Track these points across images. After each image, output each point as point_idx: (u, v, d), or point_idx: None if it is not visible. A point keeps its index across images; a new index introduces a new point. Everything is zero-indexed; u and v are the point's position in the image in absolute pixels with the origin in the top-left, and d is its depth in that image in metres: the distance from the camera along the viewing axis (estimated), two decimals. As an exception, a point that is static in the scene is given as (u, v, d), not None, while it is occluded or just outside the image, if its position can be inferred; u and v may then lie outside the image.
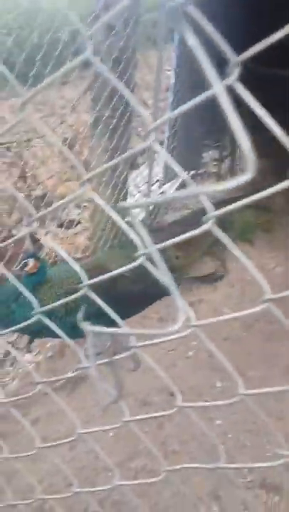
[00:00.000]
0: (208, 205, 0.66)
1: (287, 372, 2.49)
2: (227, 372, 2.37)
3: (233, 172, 4.49)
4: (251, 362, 2.55)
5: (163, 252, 0.72)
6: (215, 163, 4.52)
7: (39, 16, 2.55)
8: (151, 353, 2.46)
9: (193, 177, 4.32)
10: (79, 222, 3.59)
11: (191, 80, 3.37)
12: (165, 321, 2.78)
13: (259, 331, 2.75)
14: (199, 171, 4.43)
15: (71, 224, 3.61)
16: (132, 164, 4.07)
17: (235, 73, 0.54)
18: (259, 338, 2.71)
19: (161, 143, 3.87)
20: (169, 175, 3.60)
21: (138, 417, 1.15)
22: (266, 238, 3.65)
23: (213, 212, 0.67)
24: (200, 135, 4.11)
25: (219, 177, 4.41)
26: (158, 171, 3.66)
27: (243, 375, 2.45)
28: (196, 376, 2.44)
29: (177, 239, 0.71)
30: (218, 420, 2.22)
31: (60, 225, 3.65)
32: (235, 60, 0.49)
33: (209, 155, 4.55)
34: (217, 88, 0.53)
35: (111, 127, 2.50)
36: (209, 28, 0.51)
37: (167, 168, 3.56)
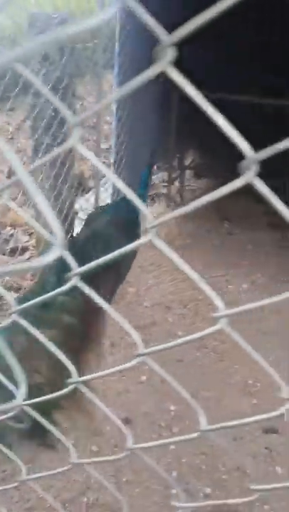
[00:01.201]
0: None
1: (241, 391, 2.49)
2: (181, 396, 2.33)
3: (182, 193, 4.55)
4: (205, 382, 2.53)
5: None
6: (165, 184, 4.57)
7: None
8: (102, 380, 2.40)
9: (144, 199, 4.34)
10: (27, 249, 3.52)
11: (133, 102, 3.42)
12: (117, 345, 2.72)
13: (212, 351, 2.75)
14: (149, 193, 4.45)
15: (21, 251, 3.54)
16: (82, 190, 4.06)
17: (168, 56, 0.46)
18: (212, 357, 2.70)
19: (108, 167, 3.89)
20: (118, 197, 3.60)
21: (86, 461, 1.02)
22: (217, 255, 3.69)
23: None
24: (148, 158, 4.14)
25: (169, 199, 4.46)
26: (106, 196, 3.66)
27: (197, 396, 2.42)
28: (149, 401, 2.40)
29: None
30: (172, 446, 2.17)
31: (11, 252, 3.57)
32: (168, 40, 0.45)
33: (158, 177, 4.60)
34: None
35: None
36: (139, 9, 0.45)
37: (115, 192, 3.56)
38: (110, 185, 3.59)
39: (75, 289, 0.62)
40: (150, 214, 0.60)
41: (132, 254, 2.14)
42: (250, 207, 4.38)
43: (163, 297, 3.17)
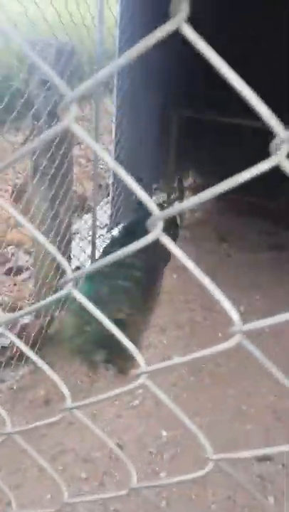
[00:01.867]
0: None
1: (234, 417, 2.46)
2: (173, 421, 2.30)
3: (181, 214, 4.56)
4: (199, 407, 2.50)
5: None
6: (165, 205, 4.59)
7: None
8: (93, 406, 2.38)
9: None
10: (27, 269, 3.53)
11: (131, 123, 3.45)
12: (111, 369, 2.70)
13: (207, 374, 2.72)
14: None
15: (20, 271, 3.54)
16: (82, 210, 4.08)
17: (182, 11, 0.41)
18: (207, 382, 2.67)
19: (106, 187, 3.92)
20: (117, 218, 3.62)
21: (78, 499, 0.96)
22: (215, 277, 3.68)
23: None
24: (147, 179, 4.17)
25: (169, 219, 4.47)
26: (105, 217, 3.68)
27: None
28: (141, 427, 2.37)
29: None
30: (163, 473, 2.14)
31: (8, 272, 3.57)
32: None
33: (158, 198, 4.62)
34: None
35: (49, 177, 2.50)
36: None
37: (114, 212, 3.58)
38: (109, 207, 3.61)
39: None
40: (155, 206, 0.54)
41: None
42: (249, 228, 4.41)
43: (159, 318, 3.16)
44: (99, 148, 0.56)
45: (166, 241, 0.54)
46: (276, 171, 0.47)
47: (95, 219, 3.19)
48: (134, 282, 2.86)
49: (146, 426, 2.38)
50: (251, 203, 4.52)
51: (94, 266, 0.69)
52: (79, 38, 2.71)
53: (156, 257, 2.95)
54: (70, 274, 0.64)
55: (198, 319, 3.17)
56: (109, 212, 3.61)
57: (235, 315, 0.55)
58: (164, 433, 2.34)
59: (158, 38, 0.46)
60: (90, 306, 0.65)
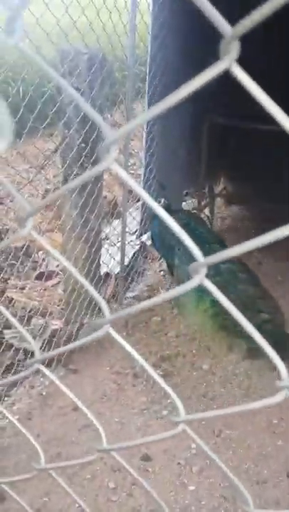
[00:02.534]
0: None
1: (265, 431, 2.39)
2: (202, 432, 2.25)
3: (212, 221, 4.52)
4: (228, 420, 2.44)
5: None
6: (194, 211, 4.55)
7: (25, 69, 2.59)
8: (121, 414, 2.37)
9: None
10: (57, 274, 3.55)
11: (162, 128, 3.44)
12: (141, 377, 2.68)
13: (237, 386, 2.66)
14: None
15: (50, 276, 3.57)
16: (112, 216, 4.08)
17: (233, 51, 0.41)
18: (237, 393, 2.62)
19: (136, 196, 3.91)
20: (146, 225, 3.60)
21: None
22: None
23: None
24: (179, 184, 4.15)
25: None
26: (135, 223, 3.67)
27: (220, 435, 2.35)
28: (170, 438, 2.32)
29: None
30: (192, 486, 2.10)
31: (39, 277, 3.61)
32: (232, 32, 0.40)
33: (188, 204, 4.59)
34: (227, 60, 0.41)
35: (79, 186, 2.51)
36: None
37: (144, 219, 3.56)
38: (138, 213, 3.60)
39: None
40: (200, 253, 0.53)
41: None
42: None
43: (188, 328, 3.12)
44: (138, 188, 0.55)
45: (211, 287, 0.52)
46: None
47: (124, 225, 3.19)
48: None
49: (175, 437, 2.34)
50: (282, 210, 4.43)
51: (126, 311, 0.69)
52: (110, 45, 2.72)
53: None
54: (107, 316, 0.64)
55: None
56: (138, 218, 3.60)
57: (283, 369, 0.54)
58: (193, 445, 2.29)
59: (206, 80, 0.44)
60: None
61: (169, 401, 2.53)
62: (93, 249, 2.81)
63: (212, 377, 2.71)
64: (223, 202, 4.91)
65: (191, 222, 3.18)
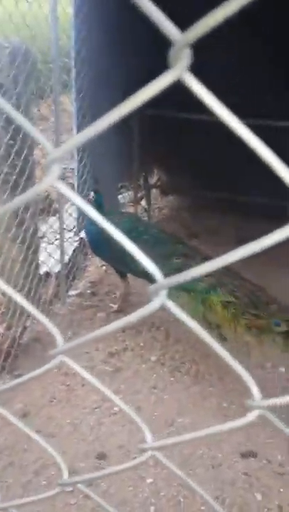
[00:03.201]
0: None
1: (216, 415, 2.44)
2: (156, 424, 2.24)
3: (149, 212, 4.53)
4: (180, 408, 2.47)
5: None
6: (131, 204, 4.54)
7: None
8: (73, 415, 2.32)
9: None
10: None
11: (93, 119, 3.38)
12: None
13: (186, 373, 2.69)
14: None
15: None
16: (48, 213, 3.97)
17: (184, 59, 0.37)
18: (187, 381, 2.65)
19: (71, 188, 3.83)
20: (84, 220, 3.54)
21: None
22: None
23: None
24: (113, 177, 4.11)
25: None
26: (72, 219, 3.60)
27: (173, 424, 2.36)
28: (123, 433, 2.32)
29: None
30: (149, 479, 2.11)
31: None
32: (183, 38, 0.36)
33: (124, 197, 4.57)
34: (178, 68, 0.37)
35: (11, 184, 2.41)
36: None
37: (81, 215, 3.50)
38: (75, 209, 3.53)
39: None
40: (160, 274, 0.49)
41: None
42: (219, 223, 4.40)
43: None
44: (86, 207, 0.51)
45: (173, 308, 0.49)
46: (245, 165, 0.43)
47: (62, 222, 3.12)
48: None
49: (128, 432, 2.33)
50: (219, 198, 4.53)
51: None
52: (31, 37, 2.63)
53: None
54: (60, 345, 0.59)
55: (172, 319, 3.14)
56: (75, 214, 3.53)
57: (255, 388, 0.52)
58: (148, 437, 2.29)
59: (156, 91, 0.41)
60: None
61: (120, 396, 2.52)
62: (31, 250, 2.72)
63: (161, 368, 2.72)
64: (159, 193, 4.94)
65: (137, 226, 2.99)
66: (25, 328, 2.77)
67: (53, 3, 2.63)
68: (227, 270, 2.72)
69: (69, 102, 3.36)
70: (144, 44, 4.07)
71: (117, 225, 0.49)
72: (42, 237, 3.65)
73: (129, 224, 2.95)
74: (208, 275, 2.59)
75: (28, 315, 2.77)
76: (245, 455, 2.25)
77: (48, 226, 3.64)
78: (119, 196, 4.50)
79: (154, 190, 4.89)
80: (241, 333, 2.55)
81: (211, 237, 4.21)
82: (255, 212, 4.28)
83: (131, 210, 4.45)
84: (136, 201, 4.41)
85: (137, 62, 3.98)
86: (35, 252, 2.79)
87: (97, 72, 3.30)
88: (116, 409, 2.46)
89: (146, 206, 4.54)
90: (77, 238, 3.69)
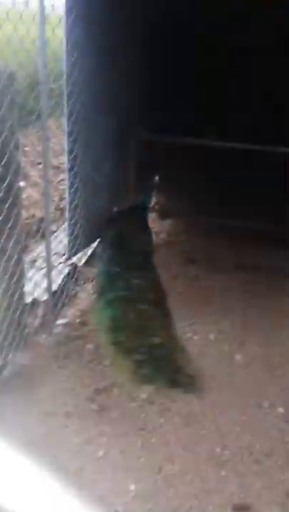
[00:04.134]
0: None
1: (208, 461, 2.25)
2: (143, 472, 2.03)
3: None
4: (169, 453, 2.29)
5: None
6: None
7: None
8: (52, 460, 2.14)
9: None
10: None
11: (85, 144, 3.30)
12: (74, 415, 2.48)
13: (177, 414, 2.52)
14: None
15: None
16: (42, 237, 3.86)
17: None
18: (177, 422, 2.47)
19: (62, 213, 3.73)
20: (74, 248, 3.41)
21: None
22: (184, 302, 3.51)
23: None
24: (108, 200, 4.01)
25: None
26: (60, 247, 3.48)
27: (160, 472, 2.19)
28: (107, 480, 2.14)
29: None
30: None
31: None
32: None
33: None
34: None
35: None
36: None
37: (71, 241, 3.37)
38: (65, 235, 3.40)
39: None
40: None
41: None
42: (218, 248, 4.27)
43: (124, 354, 2.95)
44: None
45: None
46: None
47: (49, 249, 2.99)
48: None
49: (112, 479, 2.15)
50: (218, 223, 4.42)
51: None
52: (18, 61, 2.54)
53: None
54: None
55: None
56: (66, 240, 3.41)
57: None
58: (132, 486, 2.11)
59: None
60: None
61: (105, 439, 2.35)
62: (14, 279, 2.59)
63: (150, 407, 2.55)
64: (156, 216, 4.82)
65: None
66: (6, 363, 2.62)
67: (41, 26, 2.55)
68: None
69: (58, 127, 3.27)
70: (136, 68, 4.03)
71: None
72: (32, 262, 3.54)
73: None
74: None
75: (9, 350, 2.63)
76: (237, 508, 2.05)
77: (39, 251, 3.53)
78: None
79: (152, 214, 4.78)
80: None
81: (209, 263, 4.07)
82: (253, 238, 4.15)
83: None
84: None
85: (129, 86, 3.92)
86: (19, 281, 2.66)
87: (89, 95, 3.21)
88: (100, 453, 2.29)
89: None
90: (68, 264, 3.56)
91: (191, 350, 2.99)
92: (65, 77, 3.03)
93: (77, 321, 3.24)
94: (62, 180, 4.44)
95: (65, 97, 3.06)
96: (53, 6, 2.82)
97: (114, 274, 3.19)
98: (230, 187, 4.39)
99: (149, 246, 3.82)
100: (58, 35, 2.93)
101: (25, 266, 2.96)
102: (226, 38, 4.61)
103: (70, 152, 3.16)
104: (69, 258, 3.44)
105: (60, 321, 3.20)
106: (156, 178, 3.70)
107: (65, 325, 3.19)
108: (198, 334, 3.17)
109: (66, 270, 3.48)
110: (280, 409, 2.57)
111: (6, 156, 2.36)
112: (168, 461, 2.25)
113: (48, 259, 2.94)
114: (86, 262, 3.77)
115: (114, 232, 3.62)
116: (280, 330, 3.24)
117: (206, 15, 4.52)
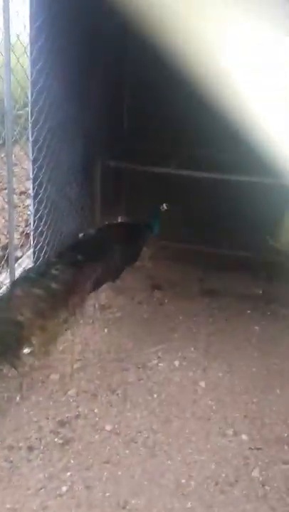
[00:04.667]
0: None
1: (173, 494, 2.23)
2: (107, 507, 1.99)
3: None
4: (134, 486, 2.26)
5: None
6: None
7: None
8: (14, 497, 2.08)
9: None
10: None
11: (51, 170, 3.30)
12: (37, 449, 2.41)
13: (143, 445, 2.49)
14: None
15: None
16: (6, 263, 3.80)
17: None
18: (143, 454, 2.44)
19: (27, 239, 3.69)
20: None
21: None
22: (148, 329, 3.52)
23: None
24: (74, 226, 4.00)
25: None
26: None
27: (125, 506, 2.15)
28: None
29: None
30: None
31: None
32: None
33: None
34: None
35: None
36: None
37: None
38: (30, 261, 3.37)
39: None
40: None
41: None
42: (183, 274, 4.31)
43: (89, 383, 2.91)
44: None
45: None
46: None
47: (13, 276, 2.95)
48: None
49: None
50: (181, 248, 4.47)
51: None
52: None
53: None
54: None
55: (131, 380, 2.96)
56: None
57: None
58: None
59: None
60: None
61: (69, 474, 2.30)
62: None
63: (116, 439, 2.52)
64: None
65: None
66: None
67: (6, 54, 2.57)
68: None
69: (24, 154, 3.27)
70: (100, 99, 4.09)
71: None
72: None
73: None
74: None
75: None
76: None
77: (3, 278, 3.47)
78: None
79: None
80: None
81: (175, 289, 4.10)
82: (219, 263, 4.22)
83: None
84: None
85: (95, 113, 3.97)
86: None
87: (55, 123, 3.23)
88: (64, 489, 2.23)
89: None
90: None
91: (157, 377, 2.99)
92: (30, 105, 3.04)
93: (43, 349, 3.18)
94: (28, 205, 4.41)
95: (30, 125, 3.07)
96: (18, 35, 2.83)
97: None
98: (196, 213, 4.47)
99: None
100: (24, 63, 2.95)
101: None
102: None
103: (35, 178, 3.15)
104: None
105: (24, 350, 3.13)
106: (164, 205, 3.74)
107: (29, 353, 3.12)
108: (164, 361, 3.17)
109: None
110: (244, 437, 2.58)
111: None
112: (133, 494, 2.22)
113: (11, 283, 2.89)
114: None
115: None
116: (243, 356, 3.28)
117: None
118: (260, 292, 4.04)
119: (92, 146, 3.94)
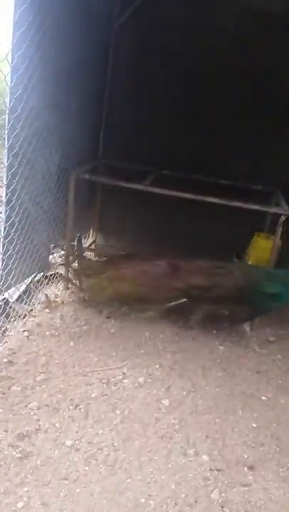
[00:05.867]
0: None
1: (133, 511, 2.20)
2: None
3: (80, 275, 4.36)
4: (92, 505, 2.21)
5: None
6: (62, 264, 4.36)
7: None
8: None
9: (39, 281, 4.09)
10: None
11: (25, 178, 3.26)
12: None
13: (103, 462, 2.45)
14: (47, 274, 4.22)
15: None
16: None
17: None
18: (103, 471, 2.40)
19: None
20: (6, 283, 3.31)
21: None
22: (114, 344, 3.49)
23: None
24: (46, 236, 3.96)
25: (68, 280, 4.24)
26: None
27: (82, 525, 2.10)
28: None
29: None
30: None
31: None
32: None
33: (54, 258, 4.39)
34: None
35: None
36: None
37: (4, 276, 3.27)
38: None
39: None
40: None
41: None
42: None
43: (52, 396, 2.86)
44: None
45: None
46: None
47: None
48: None
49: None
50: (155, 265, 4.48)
51: None
52: None
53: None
54: None
55: (94, 395, 2.92)
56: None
57: None
58: None
59: None
60: None
61: (26, 489, 2.23)
62: None
63: (76, 455, 2.47)
64: (94, 255, 4.81)
65: None
66: None
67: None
68: None
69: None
70: (79, 111, 4.10)
71: None
72: None
73: None
74: None
75: None
76: None
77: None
78: (50, 256, 4.31)
79: (88, 253, 4.77)
80: None
81: (143, 306, 4.09)
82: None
83: (61, 271, 4.27)
84: (67, 262, 4.24)
85: (72, 128, 3.98)
86: None
87: (31, 131, 3.21)
88: (20, 504, 2.16)
89: (77, 268, 4.37)
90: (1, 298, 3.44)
91: (121, 394, 2.96)
92: (7, 112, 3.01)
93: (5, 360, 3.11)
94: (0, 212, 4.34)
95: (6, 131, 3.04)
96: (-1, 42, 2.81)
97: None
98: (164, 231, 4.51)
99: None
100: (4, 70, 2.92)
101: None
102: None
103: (9, 185, 3.11)
104: (3, 292, 3.32)
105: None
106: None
107: (-10, 363, 3.05)
108: (128, 377, 3.15)
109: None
110: (205, 457, 2.58)
111: None
112: (91, 513, 2.17)
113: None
114: (18, 298, 3.66)
115: None
116: (207, 375, 3.30)
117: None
118: (226, 313, 4.08)
119: (69, 157, 3.94)
